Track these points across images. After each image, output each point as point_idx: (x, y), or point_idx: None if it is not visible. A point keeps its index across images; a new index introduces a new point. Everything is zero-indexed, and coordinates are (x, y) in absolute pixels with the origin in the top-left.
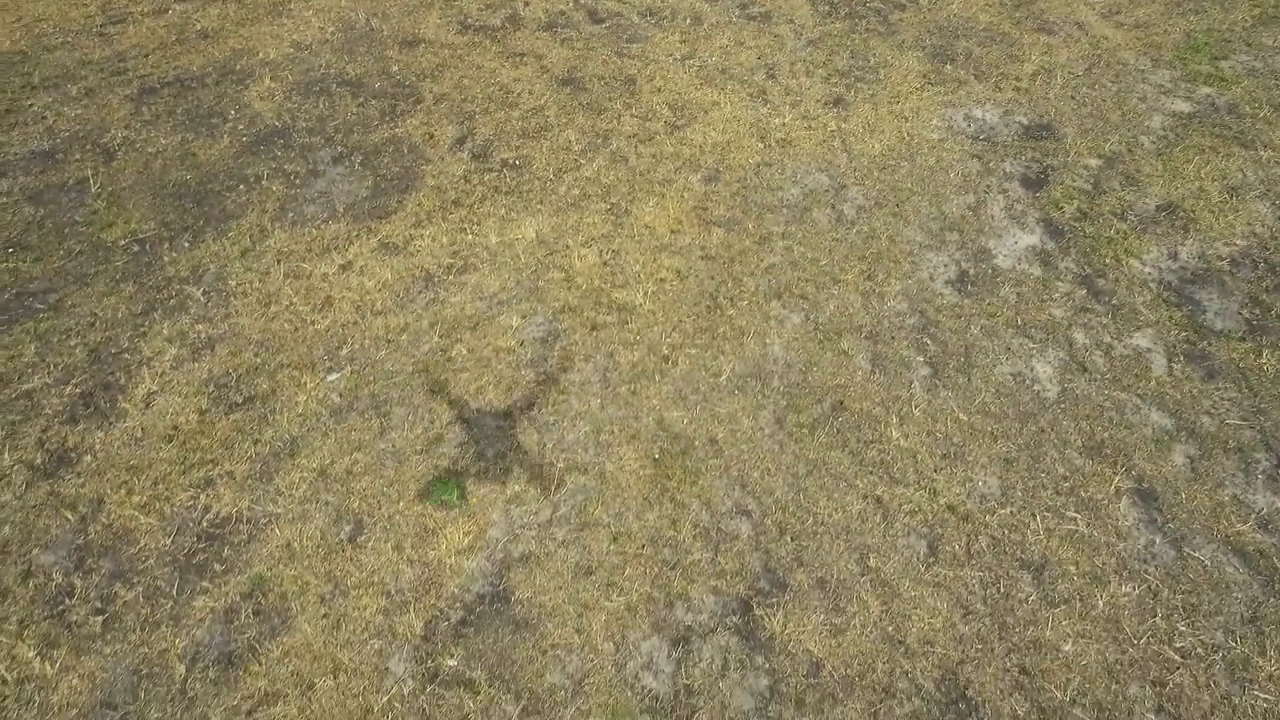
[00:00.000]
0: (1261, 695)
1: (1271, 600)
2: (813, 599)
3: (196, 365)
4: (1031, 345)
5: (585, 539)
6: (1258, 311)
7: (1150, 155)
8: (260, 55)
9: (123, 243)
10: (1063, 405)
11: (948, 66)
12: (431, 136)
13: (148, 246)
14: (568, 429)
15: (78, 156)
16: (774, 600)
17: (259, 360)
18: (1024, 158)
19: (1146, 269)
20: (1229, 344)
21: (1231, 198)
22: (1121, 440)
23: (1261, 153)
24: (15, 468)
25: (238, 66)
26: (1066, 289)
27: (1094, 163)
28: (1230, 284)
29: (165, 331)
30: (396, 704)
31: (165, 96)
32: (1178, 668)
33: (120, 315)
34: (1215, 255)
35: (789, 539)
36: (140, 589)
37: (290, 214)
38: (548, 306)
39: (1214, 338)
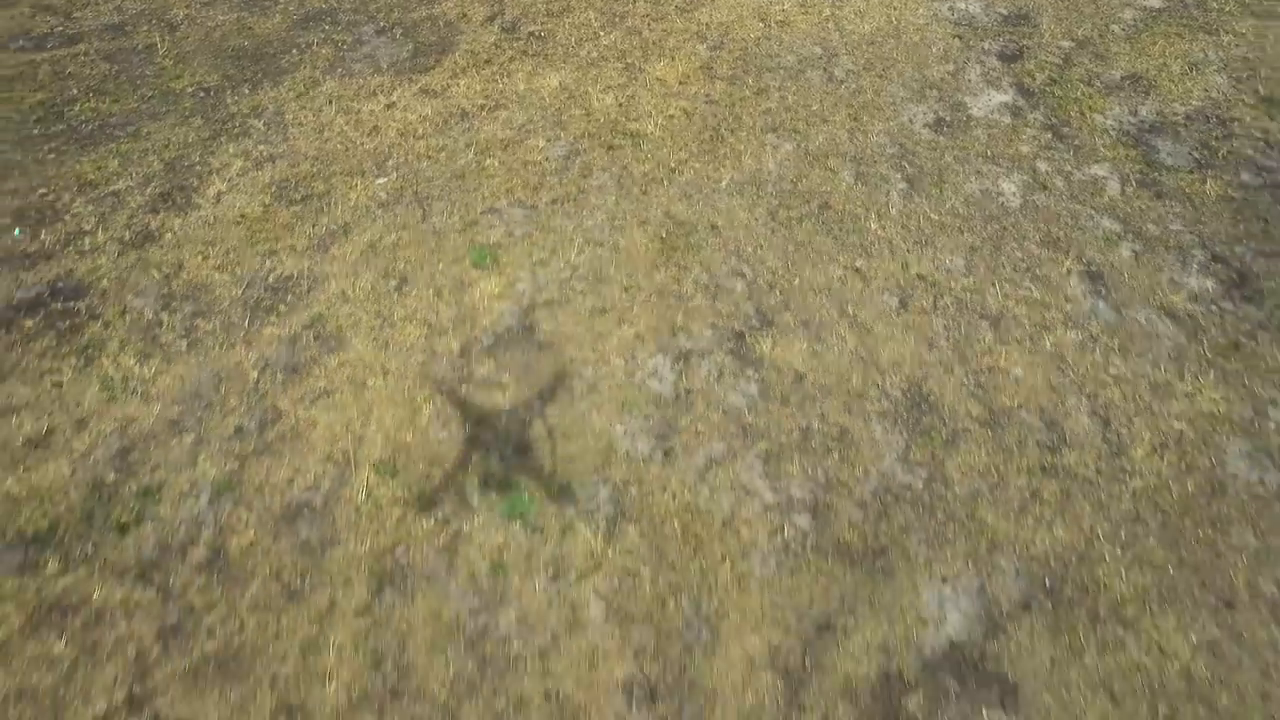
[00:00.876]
0: (1177, 404)
1: (1194, 346)
2: (798, 333)
3: (260, 173)
4: (999, 170)
5: (601, 289)
6: (1206, 153)
7: (1119, 39)
8: None
9: (190, 90)
10: (1024, 212)
11: None
12: (465, 15)
13: (212, 93)
14: (586, 217)
15: (145, 28)
16: (764, 332)
17: (315, 170)
18: (1002, 39)
19: (1109, 122)
20: (1178, 175)
21: (1192, 71)
22: (1075, 238)
23: (1224, 38)
24: (108, 242)
25: None
26: (1034, 133)
27: (1066, 44)
28: (1184, 134)
29: (231, 150)
30: (439, 388)
31: None
32: (1109, 386)
33: (191, 139)
34: (1172, 113)
35: (778, 293)
36: (217, 322)
37: (339, 70)
38: (570, 133)
39: (1165, 171)
